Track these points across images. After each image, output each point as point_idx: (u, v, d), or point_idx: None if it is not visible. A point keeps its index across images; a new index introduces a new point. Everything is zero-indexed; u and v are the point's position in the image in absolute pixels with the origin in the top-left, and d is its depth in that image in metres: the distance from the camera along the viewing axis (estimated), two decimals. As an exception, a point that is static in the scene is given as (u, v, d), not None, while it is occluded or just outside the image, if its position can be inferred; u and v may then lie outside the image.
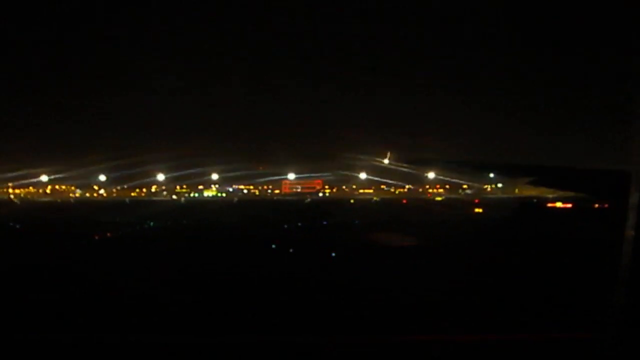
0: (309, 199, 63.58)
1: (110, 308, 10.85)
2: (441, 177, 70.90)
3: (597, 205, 46.09)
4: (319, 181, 71.27)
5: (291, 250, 21.71)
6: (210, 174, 72.38)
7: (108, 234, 27.69)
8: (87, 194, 73.66)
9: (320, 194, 70.08)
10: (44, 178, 73.28)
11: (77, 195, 72.71)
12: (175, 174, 73.12)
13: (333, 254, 20.23)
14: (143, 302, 11.31)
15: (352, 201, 58.74)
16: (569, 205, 46.25)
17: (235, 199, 67.81)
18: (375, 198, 64.73)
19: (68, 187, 75.47)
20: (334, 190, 70.98)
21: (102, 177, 72.97)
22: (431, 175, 69.39)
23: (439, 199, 63.35)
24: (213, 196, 70.83)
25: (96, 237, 26.51)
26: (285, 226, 32.37)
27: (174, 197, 70.14)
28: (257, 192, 71.83)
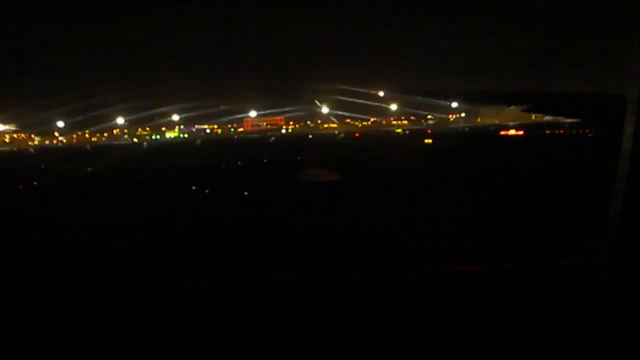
0: (272, 138, 62.80)
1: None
2: (406, 109, 70.40)
3: (548, 132, 46.73)
4: (282, 117, 70.18)
5: (206, 191, 21.46)
6: (171, 115, 71.00)
7: (34, 183, 27.12)
8: (47, 142, 72.16)
9: (284, 131, 69.16)
10: (0, 127, 71.38)
11: (36, 143, 71.11)
12: (136, 116, 71.58)
13: (245, 193, 20.22)
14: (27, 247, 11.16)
15: (310, 136, 58.08)
16: (521, 133, 46.75)
17: (199, 140, 66.81)
18: (337, 132, 64.11)
19: (27, 135, 73.81)
20: (298, 126, 70.12)
21: (61, 124, 71.28)
22: (394, 107, 68.70)
23: (398, 130, 62.90)
24: (175, 137, 69.62)
25: (20, 187, 25.96)
26: (223, 166, 32.06)
27: (135, 140, 68.88)
28: (219, 132, 70.72)
